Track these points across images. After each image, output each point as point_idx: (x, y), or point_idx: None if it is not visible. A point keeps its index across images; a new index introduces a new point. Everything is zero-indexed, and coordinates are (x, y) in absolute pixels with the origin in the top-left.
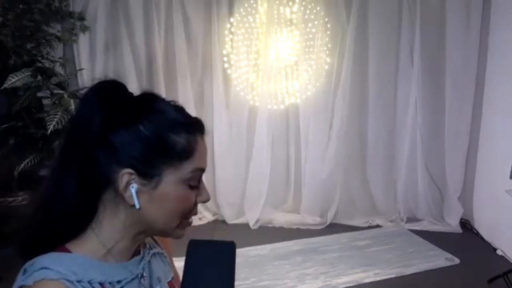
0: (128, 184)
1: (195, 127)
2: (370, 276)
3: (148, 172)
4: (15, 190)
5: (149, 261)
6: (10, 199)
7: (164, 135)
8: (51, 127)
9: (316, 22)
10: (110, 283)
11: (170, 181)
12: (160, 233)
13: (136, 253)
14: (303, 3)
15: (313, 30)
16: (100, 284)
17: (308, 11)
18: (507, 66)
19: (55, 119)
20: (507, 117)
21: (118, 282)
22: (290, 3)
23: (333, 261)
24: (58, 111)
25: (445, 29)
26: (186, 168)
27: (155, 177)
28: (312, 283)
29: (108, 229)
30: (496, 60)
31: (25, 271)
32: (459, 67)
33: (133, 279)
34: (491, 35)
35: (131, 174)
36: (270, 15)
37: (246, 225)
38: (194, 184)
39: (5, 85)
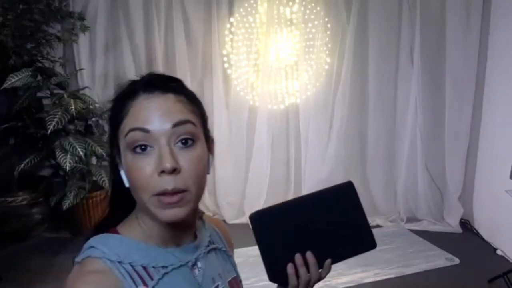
0: (119, 165)
1: (130, 91)
2: (370, 276)
3: (116, 151)
4: (15, 190)
5: (206, 254)
6: (10, 199)
7: (110, 114)
8: (51, 127)
9: (316, 22)
10: (154, 267)
11: (123, 153)
12: (150, 215)
13: (189, 242)
14: (303, 3)
15: (313, 30)
16: (143, 267)
17: (308, 11)
18: (507, 66)
19: (55, 119)
20: (507, 117)
21: (164, 267)
22: (290, 3)
23: None
24: (58, 111)
25: (445, 29)
26: (122, 133)
27: (120, 154)
28: None
29: (142, 213)
30: (496, 60)
31: (84, 249)
32: (459, 67)
33: (181, 266)
34: (491, 35)
35: (115, 155)
36: (270, 15)
37: (246, 225)
38: (138, 149)
39: (5, 85)
